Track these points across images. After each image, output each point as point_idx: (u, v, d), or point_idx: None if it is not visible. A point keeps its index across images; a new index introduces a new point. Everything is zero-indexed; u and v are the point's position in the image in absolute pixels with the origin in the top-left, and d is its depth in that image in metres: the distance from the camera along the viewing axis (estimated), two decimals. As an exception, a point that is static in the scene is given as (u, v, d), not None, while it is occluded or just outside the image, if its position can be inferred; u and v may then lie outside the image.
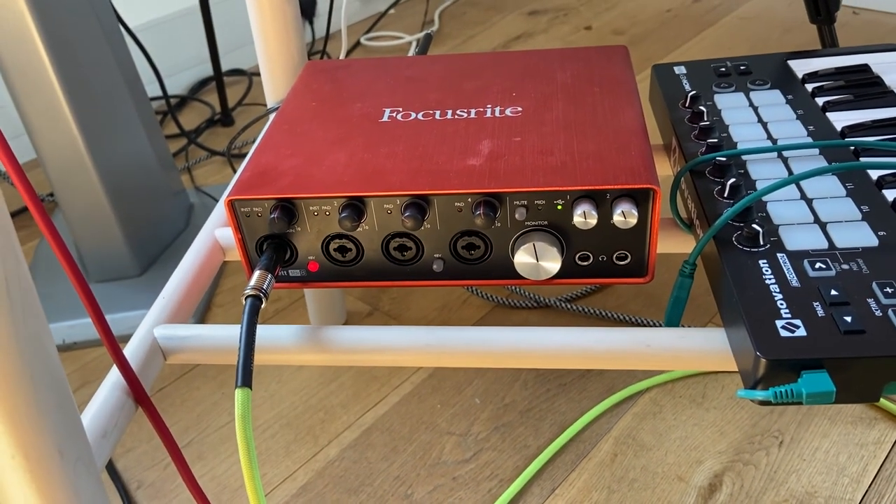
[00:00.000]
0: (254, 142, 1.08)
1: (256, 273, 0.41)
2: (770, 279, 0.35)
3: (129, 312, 0.83)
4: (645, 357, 0.38)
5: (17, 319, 0.28)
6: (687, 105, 0.50)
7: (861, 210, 0.39)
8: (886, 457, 0.64)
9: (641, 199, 0.39)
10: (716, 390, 0.72)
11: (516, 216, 0.40)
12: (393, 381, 0.76)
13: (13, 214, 1.08)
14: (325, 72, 0.54)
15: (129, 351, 0.41)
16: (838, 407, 0.69)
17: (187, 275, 0.47)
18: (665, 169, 0.52)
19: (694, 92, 0.51)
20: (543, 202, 0.40)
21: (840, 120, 0.47)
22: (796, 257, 0.37)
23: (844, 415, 0.68)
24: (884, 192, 0.40)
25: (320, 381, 0.77)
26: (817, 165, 0.42)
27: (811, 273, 0.35)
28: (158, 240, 0.91)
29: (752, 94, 0.51)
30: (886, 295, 0.34)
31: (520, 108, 0.46)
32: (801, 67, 0.54)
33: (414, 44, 1.48)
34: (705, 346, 0.37)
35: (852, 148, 0.44)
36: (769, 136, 0.46)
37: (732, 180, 0.41)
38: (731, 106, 0.50)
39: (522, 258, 0.41)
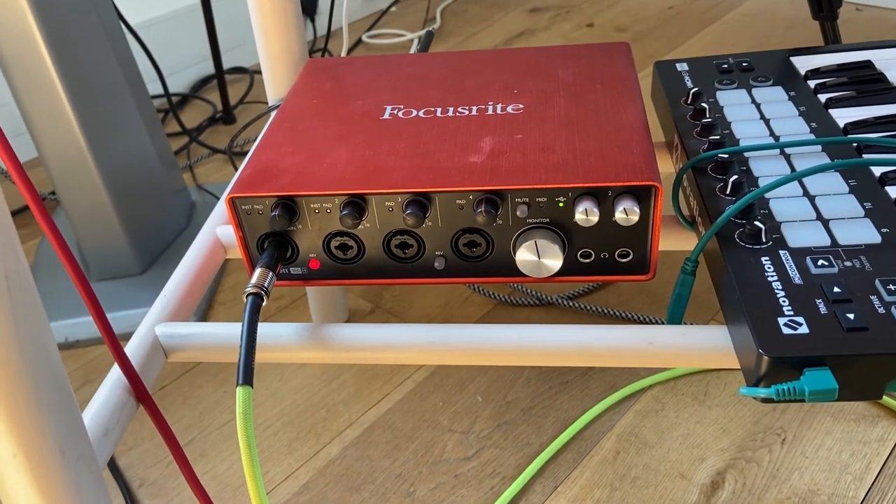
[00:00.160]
0: (255, 140, 1.08)
1: (257, 271, 0.41)
2: (772, 276, 0.35)
3: (131, 311, 0.83)
4: (647, 355, 0.38)
5: (18, 318, 0.28)
6: (689, 102, 0.50)
7: (864, 207, 0.39)
8: (890, 454, 0.64)
9: (643, 196, 0.39)
10: (718, 388, 0.72)
11: (518, 213, 0.40)
12: (395, 379, 0.76)
13: (15, 213, 1.08)
14: (326, 69, 0.54)
15: (131, 349, 0.41)
16: (841, 404, 0.69)
17: (189, 273, 0.47)
18: (667, 166, 0.52)
19: (696, 89, 0.50)
20: (545, 199, 0.39)
21: (843, 117, 0.47)
22: (799, 254, 0.36)
23: (847, 412, 0.68)
24: (887, 188, 0.40)
25: (322, 379, 0.77)
26: (820, 162, 0.42)
27: (814, 270, 0.35)
28: (160, 238, 0.91)
29: (754, 91, 0.51)
30: (889, 292, 0.33)
31: (521, 106, 0.46)
32: (803, 64, 0.54)
33: (415, 41, 1.48)
34: (707, 343, 0.37)
35: (855, 145, 0.44)
36: (771, 133, 0.46)
37: (734, 177, 0.41)
38: (733, 103, 0.50)
39: (524, 256, 0.41)
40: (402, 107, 0.48)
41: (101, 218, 0.84)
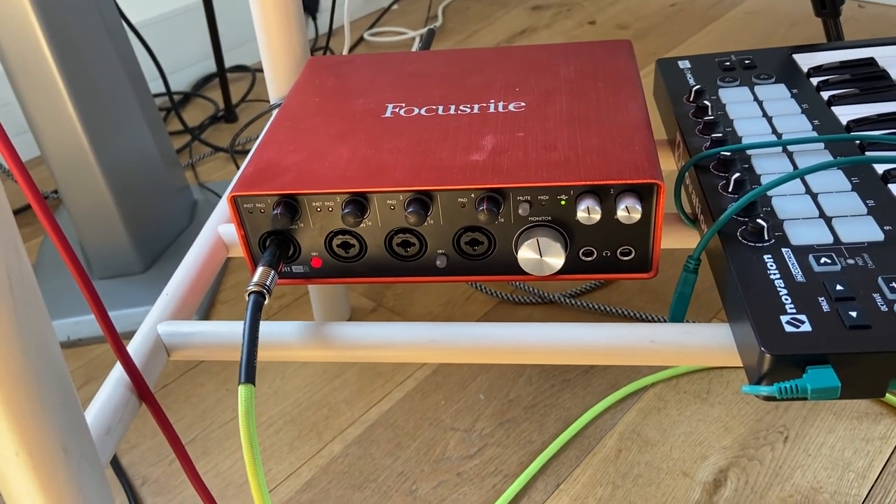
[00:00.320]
0: (257, 138, 1.08)
1: (259, 269, 0.41)
2: (775, 274, 0.35)
3: (133, 309, 0.83)
4: (649, 352, 0.38)
5: (20, 316, 0.28)
6: (691, 99, 0.50)
7: (867, 204, 0.39)
8: (893, 452, 0.64)
9: (645, 194, 0.39)
10: (720, 386, 0.72)
11: (520, 212, 0.40)
12: (397, 378, 0.76)
13: (18, 211, 1.08)
14: (328, 67, 0.54)
15: (133, 347, 0.41)
16: (844, 402, 0.68)
17: (191, 271, 0.47)
18: (669, 164, 0.52)
19: (698, 86, 0.50)
20: (547, 197, 0.39)
21: (845, 114, 0.47)
22: (801, 252, 0.36)
23: (850, 410, 0.68)
24: (889, 186, 0.40)
25: (324, 378, 0.77)
26: (822, 160, 0.42)
27: (816, 268, 0.35)
28: (162, 236, 0.91)
29: (756, 89, 0.51)
30: (892, 290, 0.33)
31: (523, 104, 0.46)
32: (806, 61, 0.54)
33: (417, 39, 1.48)
34: (710, 341, 0.37)
35: (858, 142, 0.44)
36: (774, 131, 0.46)
37: (737, 175, 0.41)
38: (735, 100, 0.49)
39: (526, 254, 0.41)
40: (403, 105, 0.48)
41: (103, 216, 0.84)
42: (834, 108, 0.48)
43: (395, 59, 0.54)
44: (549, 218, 0.40)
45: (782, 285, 0.34)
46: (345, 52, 1.33)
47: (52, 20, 0.74)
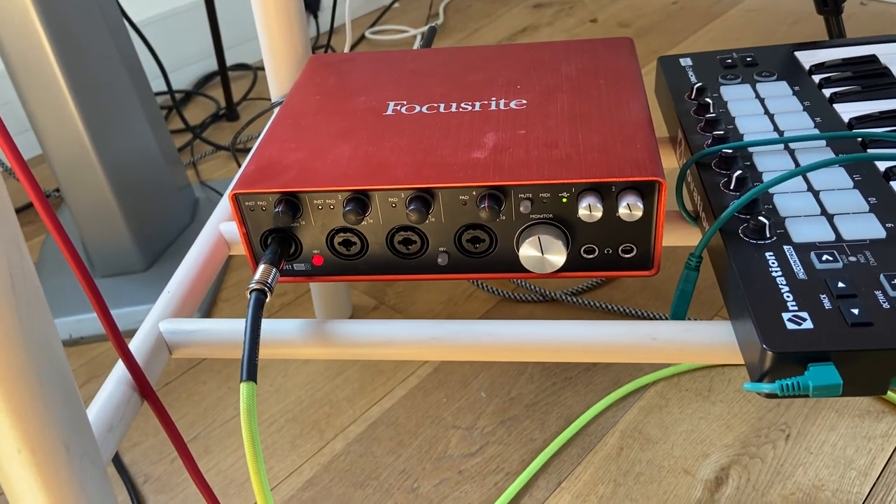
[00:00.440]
0: (258, 136, 1.08)
1: (261, 267, 0.41)
2: (776, 272, 0.35)
3: (135, 307, 0.84)
4: (651, 350, 0.38)
5: (23, 314, 0.28)
6: (693, 97, 0.50)
7: (868, 202, 0.39)
8: (894, 450, 0.64)
9: (647, 191, 0.39)
10: (722, 383, 0.72)
11: (521, 209, 0.40)
12: (398, 375, 0.76)
13: (20, 210, 1.08)
14: (329, 65, 0.54)
15: (135, 345, 0.41)
16: (845, 400, 0.68)
17: (192, 269, 0.47)
18: (671, 161, 0.52)
19: (700, 84, 0.50)
20: (548, 195, 0.39)
21: (847, 111, 0.47)
22: (803, 249, 0.36)
23: (852, 408, 0.68)
24: (891, 183, 0.40)
25: (326, 376, 0.77)
26: (824, 157, 0.42)
27: (818, 265, 0.35)
28: (164, 235, 0.91)
29: (758, 86, 0.50)
30: (894, 287, 0.33)
31: (524, 101, 0.46)
32: (807, 59, 0.53)
33: (418, 37, 1.48)
34: (711, 339, 0.37)
35: (860, 139, 0.43)
36: (776, 128, 0.46)
37: (739, 172, 0.41)
38: (737, 98, 0.49)
39: (527, 251, 0.41)
40: (405, 103, 0.48)
41: (105, 215, 0.84)
42: (836, 106, 0.48)
43: (396, 57, 0.54)
44: (551, 215, 0.40)
45: (784, 283, 0.34)
46: (346, 50, 1.33)
47: (53, 18, 0.75)
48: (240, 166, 0.67)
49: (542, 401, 0.72)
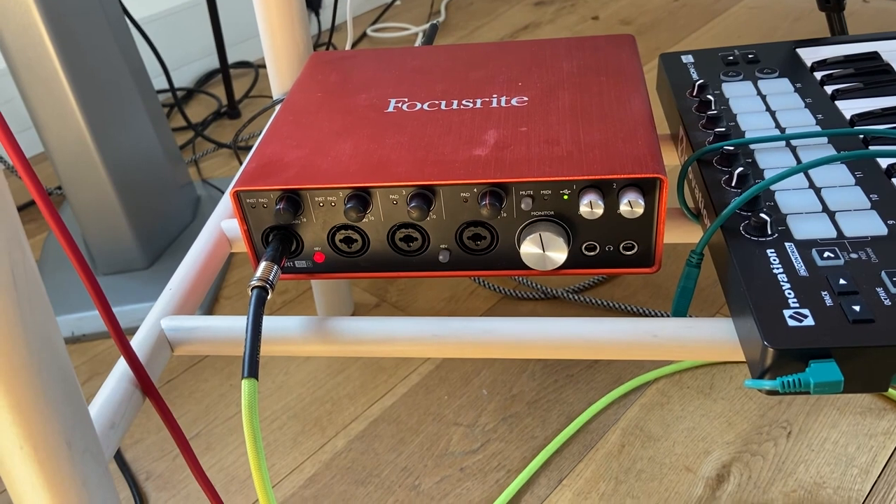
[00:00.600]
0: (260, 134, 1.08)
1: (262, 264, 0.41)
2: (778, 268, 0.35)
3: (137, 305, 0.84)
4: (652, 347, 0.38)
5: (24, 310, 0.28)
6: (694, 94, 0.50)
7: (870, 199, 0.39)
8: None
9: (648, 188, 0.38)
10: (724, 381, 0.72)
11: (522, 206, 0.40)
12: (400, 373, 0.76)
13: (22, 207, 1.08)
14: (330, 63, 0.54)
15: (137, 342, 0.41)
16: (847, 397, 0.68)
17: (194, 266, 0.47)
18: (672, 159, 0.52)
19: (701, 81, 0.50)
20: (549, 192, 0.39)
21: (849, 108, 0.47)
22: (804, 246, 0.36)
23: (853, 405, 0.68)
24: (893, 180, 0.40)
25: (327, 373, 0.77)
26: (826, 154, 0.42)
27: (819, 262, 0.35)
28: (165, 232, 0.91)
29: (760, 83, 0.50)
30: (896, 284, 0.33)
31: (526, 98, 0.46)
32: (809, 56, 0.53)
33: (420, 35, 1.47)
34: (713, 336, 0.37)
35: (862, 136, 0.43)
36: (777, 125, 0.46)
37: (740, 169, 0.41)
38: (738, 95, 0.49)
39: (529, 248, 0.41)
40: (406, 100, 0.48)
41: (106, 212, 0.84)
42: (838, 103, 0.48)
43: (397, 54, 0.54)
44: (552, 212, 0.40)
45: (785, 279, 0.34)
46: (347, 48, 1.33)
47: (55, 16, 0.75)
48: (241, 164, 0.67)
49: (543, 398, 0.72)
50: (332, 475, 0.67)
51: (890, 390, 0.67)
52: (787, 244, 0.37)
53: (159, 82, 1.25)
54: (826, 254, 0.36)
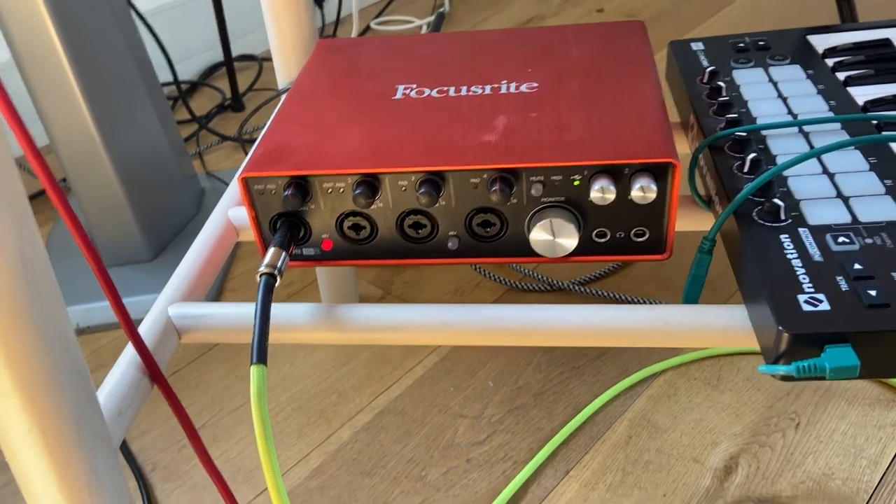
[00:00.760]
0: (264, 126, 1.07)
1: (270, 251, 0.40)
2: (792, 254, 0.35)
3: (142, 297, 0.83)
4: (664, 335, 0.37)
5: (33, 293, 0.28)
6: (705, 81, 0.50)
7: (884, 184, 0.38)
8: (905, 439, 0.63)
9: (660, 173, 0.38)
10: (731, 372, 0.71)
11: (532, 192, 0.40)
12: (405, 364, 0.76)
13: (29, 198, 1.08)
14: (337, 50, 0.53)
15: (144, 329, 0.41)
16: (856, 389, 0.68)
17: (201, 254, 0.47)
18: (682, 147, 0.52)
19: (712, 67, 0.50)
20: (560, 178, 0.39)
21: (862, 95, 0.46)
22: (818, 232, 0.36)
23: (862, 396, 0.67)
24: (908, 166, 0.40)
25: (333, 365, 0.77)
26: (839, 140, 0.42)
27: (834, 247, 0.35)
28: (170, 224, 0.91)
29: (771, 70, 0.50)
30: (912, 269, 0.33)
31: (535, 84, 0.46)
32: (820, 42, 0.53)
33: (424, 28, 1.47)
34: (725, 323, 0.37)
35: (875, 122, 0.43)
36: (789, 112, 0.45)
37: (753, 155, 0.40)
38: (750, 81, 0.49)
39: (539, 235, 0.40)
40: (414, 86, 0.47)
41: (112, 204, 0.84)
42: (850, 89, 0.47)
43: (404, 41, 0.54)
44: (563, 198, 0.40)
45: (800, 265, 0.34)
46: (352, 40, 1.32)
47: (60, 9, 0.74)
48: (247, 155, 0.67)
49: (549, 390, 0.72)
50: (337, 466, 0.67)
51: (899, 382, 0.67)
52: (800, 229, 0.36)
53: (163, 75, 1.24)
54: (841, 239, 0.35)
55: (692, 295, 0.41)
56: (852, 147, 0.41)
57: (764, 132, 0.43)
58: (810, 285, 0.33)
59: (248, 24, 1.40)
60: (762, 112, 0.46)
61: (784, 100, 0.46)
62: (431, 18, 1.48)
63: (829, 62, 0.50)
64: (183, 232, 0.92)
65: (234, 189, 0.53)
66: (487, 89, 0.46)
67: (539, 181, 0.39)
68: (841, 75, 0.49)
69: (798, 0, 1.37)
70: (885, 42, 0.51)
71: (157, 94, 0.88)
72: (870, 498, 0.59)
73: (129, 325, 0.36)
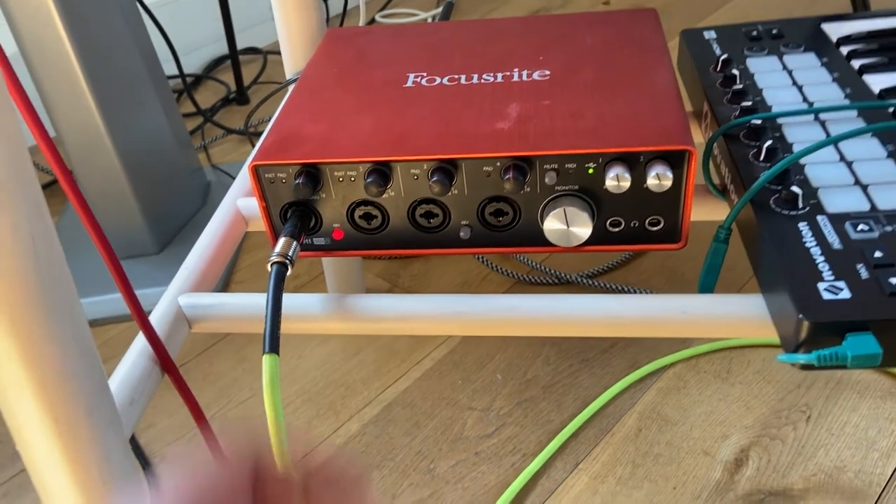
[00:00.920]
0: (269, 119, 1.07)
1: (281, 240, 0.40)
2: (810, 242, 0.34)
3: (149, 289, 0.83)
4: (681, 324, 0.37)
5: (46, 283, 0.28)
6: (718, 69, 0.49)
7: (903, 172, 0.38)
8: (917, 431, 0.63)
9: (676, 161, 0.38)
10: (741, 365, 0.71)
11: (546, 181, 0.39)
12: (414, 357, 0.76)
13: (31, 194, 1.08)
14: (347, 38, 0.53)
15: (154, 319, 0.40)
16: (867, 381, 0.68)
17: (210, 245, 0.46)
18: (695, 136, 0.51)
19: (726, 55, 0.49)
20: (574, 166, 0.39)
21: (877, 83, 0.46)
22: (837, 220, 0.35)
23: (874, 389, 0.67)
24: (927, 153, 0.39)
25: (341, 357, 0.77)
26: (856, 127, 0.41)
27: (853, 235, 0.34)
28: (176, 217, 0.91)
29: (785, 58, 0.49)
30: (933, 256, 0.32)
31: (548, 72, 0.45)
32: (834, 31, 0.52)
33: (429, 20, 1.46)
34: (742, 312, 0.36)
35: (892, 110, 0.42)
36: (805, 100, 0.45)
37: (769, 143, 0.40)
38: (764, 70, 0.48)
39: (552, 224, 0.40)
40: (425, 74, 0.47)
41: (118, 197, 0.84)
42: (865, 77, 0.46)
43: (414, 29, 0.53)
44: (577, 187, 0.39)
45: (819, 253, 0.34)
46: (357, 33, 1.31)
47: (67, 1, 0.74)
48: (254, 147, 0.67)
49: (558, 382, 0.71)
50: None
51: (911, 374, 0.66)
52: (819, 217, 0.36)
53: (168, 68, 1.24)
54: (860, 226, 0.35)
55: (708, 284, 0.40)
56: (870, 134, 0.40)
57: (779, 120, 0.43)
58: (830, 273, 0.32)
59: (253, 17, 1.39)
60: (777, 100, 0.45)
61: (799, 88, 0.46)
62: (436, 11, 1.47)
63: (844, 50, 0.50)
64: (189, 225, 0.92)
65: (242, 179, 0.53)
66: (499, 77, 0.45)
67: (553, 169, 0.39)
68: (856, 63, 0.48)
69: (806, -8, 1.36)
70: (901, 30, 0.51)
71: (163, 86, 0.88)
72: (882, 490, 0.59)
73: (141, 315, 0.36)
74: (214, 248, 0.46)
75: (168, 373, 0.38)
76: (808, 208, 0.36)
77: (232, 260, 0.91)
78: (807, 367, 0.31)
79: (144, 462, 0.68)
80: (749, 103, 0.44)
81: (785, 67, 0.48)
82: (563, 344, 0.75)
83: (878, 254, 0.33)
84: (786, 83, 0.47)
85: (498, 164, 0.39)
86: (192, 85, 1.32)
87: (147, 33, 0.86)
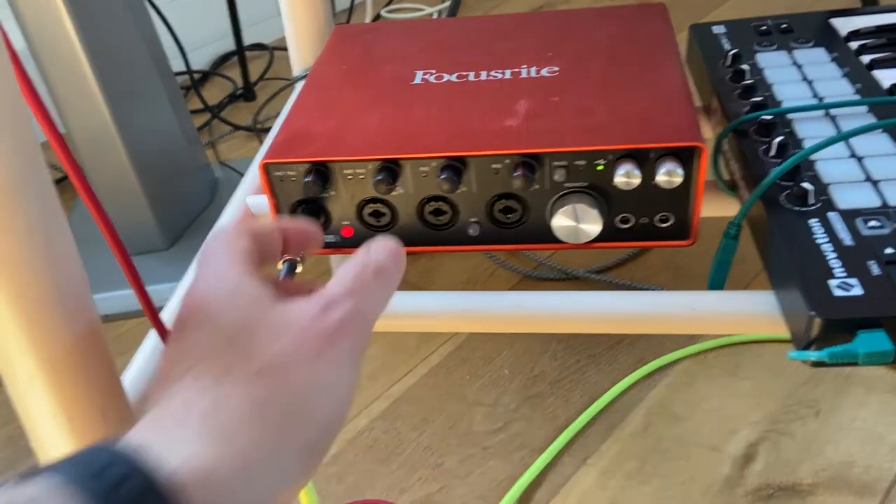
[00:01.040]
0: (277, 116, 1.07)
1: (292, 237, 0.40)
2: (822, 238, 0.34)
3: (158, 286, 0.83)
4: (691, 321, 0.37)
5: (59, 278, 0.28)
6: (728, 64, 0.49)
7: (915, 168, 0.38)
8: (927, 427, 0.63)
9: (686, 157, 0.38)
10: (749, 361, 0.71)
11: (555, 178, 0.39)
12: (421, 353, 0.76)
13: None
14: (355, 35, 0.53)
15: (167, 316, 0.41)
16: (876, 377, 0.67)
17: (220, 242, 0.46)
18: (703, 132, 0.51)
19: (735, 50, 0.49)
20: (584, 162, 0.39)
21: (887, 77, 0.45)
22: (848, 216, 0.35)
23: (882, 384, 0.67)
24: (938, 149, 0.39)
25: (349, 353, 0.77)
26: (866, 123, 0.41)
27: (864, 231, 0.34)
28: (185, 213, 0.91)
29: (795, 53, 0.49)
30: (945, 253, 0.32)
31: (556, 68, 0.45)
32: (843, 25, 0.52)
33: (435, 16, 1.46)
34: (752, 308, 0.36)
35: (903, 105, 0.42)
36: (815, 95, 0.45)
37: (780, 138, 0.39)
38: (773, 65, 0.48)
39: (561, 221, 0.40)
40: (433, 71, 0.47)
41: (127, 194, 0.84)
42: (875, 72, 0.46)
43: (422, 26, 0.53)
44: (586, 184, 0.39)
45: (830, 249, 0.34)
46: (363, 28, 1.31)
47: (74, -4, 0.74)
48: (262, 144, 0.67)
49: (565, 378, 0.72)
50: (354, 453, 0.67)
51: (920, 369, 0.66)
52: (830, 214, 0.36)
53: (175, 64, 1.24)
54: (871, 223, 0.35)
55: (717, 281, 0.40)
56: (880, 130, 0.40)
57: (790, 116, 0.43)
58: (842, 270, 0.32)
59: (259, 14, 1.39)
60: (787, 95, 0.45)
61: (809, 83, 0.46)
62: (443, 6, 1.47)
63: (853, 45, 0.49)
64: (197, 221, 0.92)
65: (251, 177, 0.53)
66: (507, 74, 0.45)
67: (562, 166, 0.39)
68: (865, 58, 0.48)
69: (814, -15, 1.35)
70: (911, 24, 0.51)
71: (171, 83, 0.88)
72: (891, 485, 0.59)
73: (153, 312, 0.36)
74: (224, 246, 0.46)
75: (180, 370, 0.38)
76: (818, 204, 0.36)
77: (240, 256, 0.91)
78: (818, 364, 0.31)
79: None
80: (759, 99, 0.44)
81: (795, 63, 0.48)
82: (569, 340, 0.75)
83: (889, 250, 0.33)
84: (796, 78, 0.46)
85: (507, 161, 0.39)
86: (200, 81, 1.32)
87: (154, 29, 0.86)
